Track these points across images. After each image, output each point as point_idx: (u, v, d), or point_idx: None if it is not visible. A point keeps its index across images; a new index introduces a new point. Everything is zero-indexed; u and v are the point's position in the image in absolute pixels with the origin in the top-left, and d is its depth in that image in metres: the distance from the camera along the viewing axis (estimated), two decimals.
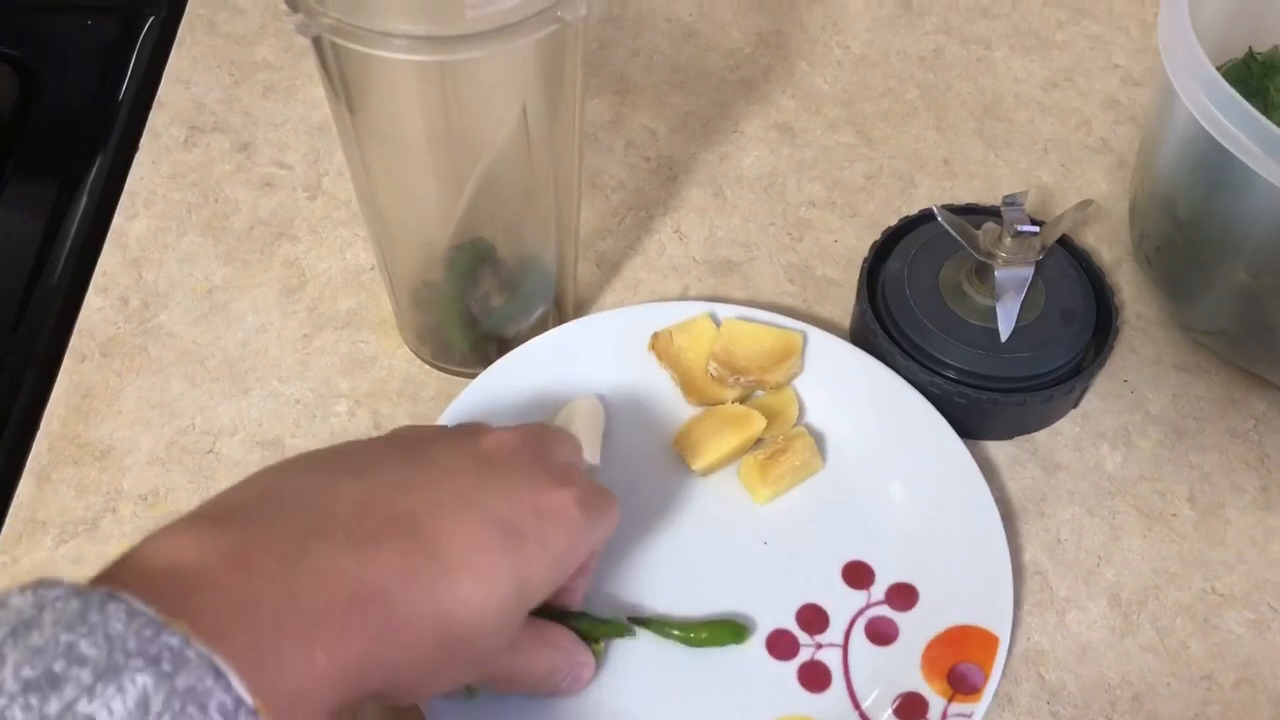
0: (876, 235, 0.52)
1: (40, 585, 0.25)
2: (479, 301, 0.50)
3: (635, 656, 0.42)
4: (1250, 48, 0.52)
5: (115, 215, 0.55)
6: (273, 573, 0.29)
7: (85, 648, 0.24)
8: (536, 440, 0.39)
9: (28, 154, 0.59)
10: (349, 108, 0.40)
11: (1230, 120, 0.42)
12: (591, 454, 0.45)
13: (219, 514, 0.31)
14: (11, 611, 0.25)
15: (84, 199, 0.56)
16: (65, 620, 0.24)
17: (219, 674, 0.25)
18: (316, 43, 0.37)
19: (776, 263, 0.55)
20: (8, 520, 0.46)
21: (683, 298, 0.53)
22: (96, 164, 0.58)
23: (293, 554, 0.30)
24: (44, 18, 0.65)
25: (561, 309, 0.51)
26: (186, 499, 0.47)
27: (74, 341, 0.51)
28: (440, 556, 0.33)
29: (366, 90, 0.40)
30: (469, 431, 0.39)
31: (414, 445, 0.37)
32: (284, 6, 0.36)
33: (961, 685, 0.41)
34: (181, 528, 0.30)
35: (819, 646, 0.43)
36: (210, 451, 0.48)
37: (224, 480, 0.47)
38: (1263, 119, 0.41)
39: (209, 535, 0.29)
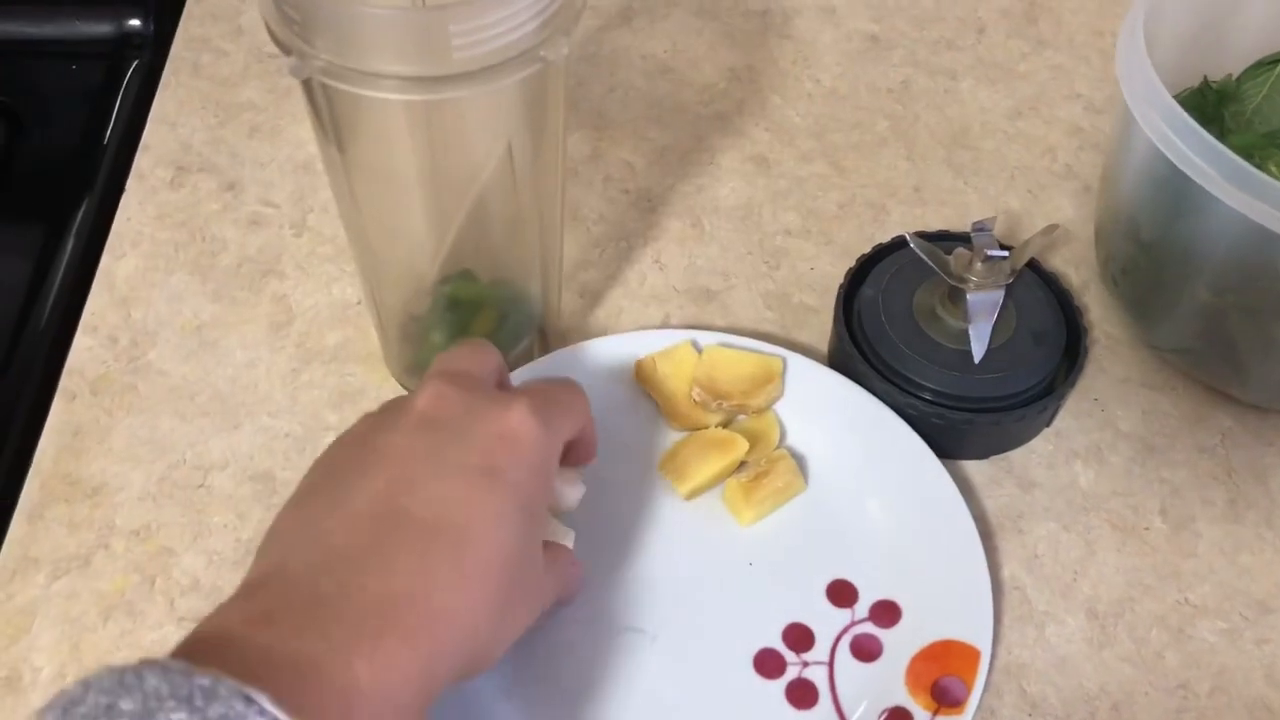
0: (851, 262, 0.53)
1: (88, 675, 0.27)
2: (465, 333, 0.51)
3: (624, 678, 0.43)
4: (1205, 76, 0.54)
5: (103, 256, 0.56)
6: (298, 621, 0.31)
7: (124, 704, 0.26)
8: (460, 377, 0.39)
9: (15, 198, 0.60)
10: (338, 147, 0.41)
11: (1188, 146, 0.44)
12: (576, 480, 0.46)
13: (241, 591, 0.33)
14: (63, 697, 0.26)
15: (71, 241, 0.57)
16: (105, 688, 0.26)
17: (250, 700, 0.26)
18: (307, 84, 0.38)
19: (754, 290, 0.56)
20: (1, 558, 0.46)
21: (664, 326, 0.55)
22: (84, 206, 0.59)
23: (311, 600, 0.31)
24: (29, 63, 0.66)
25: (545, 339, 0.52)
26: (179, 533, 0.47)
27: (64, 381, 0.52)
28: (445, 530, 0.34)
29: (356, 130, 0.41)
30: (398, 405, 0.39)
31: (362, 443, 0.37)
32: (275, 50, 0.37)
33: (945, 698, 0.42)
34: (213, 612, 0.32)
35: (805, 664, 0.44)
36: (201, 486, 0.49)
37: (216, 514, 0.48)
38: (1218, 144, 0.42)
39: (234, 609, 0.32)
